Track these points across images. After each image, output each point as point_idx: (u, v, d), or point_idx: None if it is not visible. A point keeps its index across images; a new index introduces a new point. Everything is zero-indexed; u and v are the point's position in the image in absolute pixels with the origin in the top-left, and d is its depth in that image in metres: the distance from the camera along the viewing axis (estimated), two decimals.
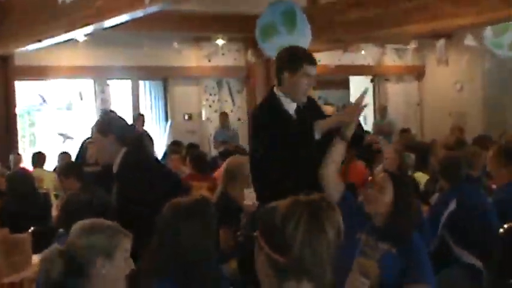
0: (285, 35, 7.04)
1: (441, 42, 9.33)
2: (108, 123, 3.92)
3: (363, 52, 12.13)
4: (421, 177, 6.44)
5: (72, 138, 10.45)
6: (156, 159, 5.15)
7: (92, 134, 4.09)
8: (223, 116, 11.88)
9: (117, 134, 3.83)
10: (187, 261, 2.73)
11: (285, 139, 3.43)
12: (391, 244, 3.21)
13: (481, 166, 5.76)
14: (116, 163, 3.86)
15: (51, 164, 9.13)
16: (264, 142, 3.56)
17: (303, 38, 7.21)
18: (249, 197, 4.65)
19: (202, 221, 2.76)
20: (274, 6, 7.22)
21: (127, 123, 4.12)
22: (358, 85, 14.86)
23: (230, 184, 5.02)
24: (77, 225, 2.67)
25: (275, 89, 3.62)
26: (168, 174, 4.52)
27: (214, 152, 11.25)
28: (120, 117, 4.13)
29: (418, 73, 14.51)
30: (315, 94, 13.95)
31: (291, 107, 3.59)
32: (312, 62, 3.56)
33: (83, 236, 2.61)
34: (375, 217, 3.27)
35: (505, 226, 4.45)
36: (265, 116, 3.58)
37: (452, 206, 4.54)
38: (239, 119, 12.40)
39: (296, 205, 1.87)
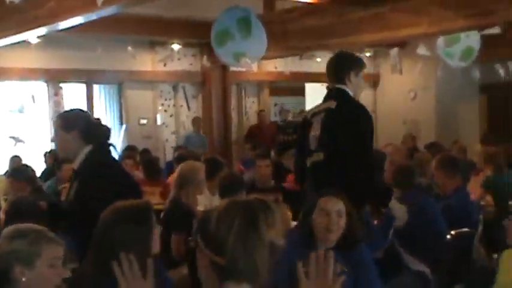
0: (240, 41, 7.04)
1: (394, 51, 9.43)
2: (72, 119, 3.83)
3: (318, 59, 12.19)
4: None
5: (23, 141, 10.25)
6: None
7: (54, 128, 4.01)
8: (197, 120, 11.85)
9: (82, 130, 3.75)
10: None
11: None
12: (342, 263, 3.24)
13: (431, 173, 5.84)
14: (77, 160, 3.79)
15: (1, 167, 8.95)
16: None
17: (258, 44, 7.23)
18: (202, 203, 4.64)
19: (140, 225, 2.71)
20: (230, 12, 7.21)
21: (94, 121, 4.05)
22: (314, 92, 14.97)
23: (183, 190, 4.99)
24: (6, 230, 2.61)
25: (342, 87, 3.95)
26: (128, 177, 4.48)
27: (169, 157, 11.20)
28: (88, 115, 4.07)
29: (373, 81, 14.67)
30: (271, 100, 14.02)
31: None
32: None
33: (5, 241, 2.53)
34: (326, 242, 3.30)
35: (453, 233, 4.53)
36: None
37: None
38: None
39: (231, 207, 1.87)
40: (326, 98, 4.11)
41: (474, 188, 6.31)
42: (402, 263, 4.54)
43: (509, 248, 2.91)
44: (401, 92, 13.84)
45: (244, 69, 8.91)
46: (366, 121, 3.91)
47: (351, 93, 4.03)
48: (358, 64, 4.07)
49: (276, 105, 15.19)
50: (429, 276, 4.47)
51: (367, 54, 13.83)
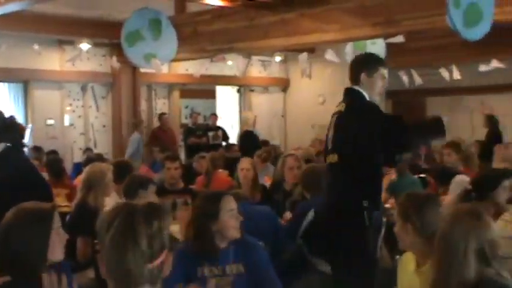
0: (151, 43, 7.02)
1: (304, 56, 9.60)
2: None
3: (229, 62, 12.26)
4: None
5: None
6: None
7: None
8: (139, 122, 11.71)
9: None
10: (23, 264, 2.63)
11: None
12: (241, 264, 3.29)
13: None
14: None
15: None
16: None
17: (168, 46, 7.22)
18: (110, 205, 4.57)
19: (39, 227, 2.65)
20: (141, 13, 7.17)
21: (7, 120, 3.91)
22: (225, 95, 15.03)
23: (90, 192, 4.91)
24: None
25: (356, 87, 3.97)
26: (39, 177, 4.38)
27: (77, 159, 10.99)
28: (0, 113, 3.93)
29: (283, 85, 14.89)
30: (181, 103, 13.98)
31: None
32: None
33: None
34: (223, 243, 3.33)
35: None
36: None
37: (310, 216, 4.68)
38: (103, 126, 12.16)
39: (114, 209, 1.86)
40: (343, 99, 4.15)
41: None
42: (308, 264, 4.63)
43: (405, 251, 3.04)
44: (311, 96, 14.11)
45: (154, 71, 8.86)
46: (373, 122, 3.85)
47: (365, 94, 4.00)
48: (371, 65, 4.00)
49: (186, 107, 15.17)
50: (331, 275, 4.58)
51: (277, 59, 14.04)
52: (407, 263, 3.00)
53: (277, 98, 14.96)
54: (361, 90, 3.97)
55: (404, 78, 10.62)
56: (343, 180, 3.89)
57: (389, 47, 8.90)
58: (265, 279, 3.35)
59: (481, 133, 11.81)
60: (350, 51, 8.88)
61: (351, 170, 3.87)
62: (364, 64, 4.01)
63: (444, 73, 10.45)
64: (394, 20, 7.47)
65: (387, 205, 6.64)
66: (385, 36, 8.31)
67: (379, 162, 3.98)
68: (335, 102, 13.14)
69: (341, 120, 3.97)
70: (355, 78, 4.00)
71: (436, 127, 3.84)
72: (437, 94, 13.82)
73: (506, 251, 3.39)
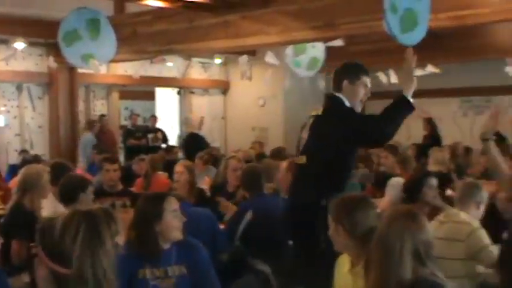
0: (89, 42, 6.91)
1: (244, 59, 9.64)
2: None
3: (169, 64, 12.19)
4: None
5: None
6: None
7: None
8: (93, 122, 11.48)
9: None
10: None
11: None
12: (184, 266, 3.28)
13: (278, 178, 6.02)
14: None
15: None
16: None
17: (107, 46, 7.12)
18: (47, 208, 4.48)
19: None
20: (79, 13, 7.05)
21: None
22: (164, 97, 14.93)
23: (26, 194, 4.81)
24: None
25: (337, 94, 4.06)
26: None
27: (12, 160, 10.74)
28: None
29: (224, 87, 14.88)
30: (121, 104, 13.81)
31: None
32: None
33: None
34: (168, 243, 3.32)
35: None
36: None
37: (248, 216, 4.70)
38: (40, 127, 11.91)
39: (74, 217, 1.86)
40: (323, 104, 4.21)
41: None
42: (247, 264, 4.65)
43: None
44: (251, 99, 14.15)
45: (92, 71, 8.72)
46: (348, 126, 3.94)
47: (345, 101, 4.06)
48: (353, 73, 4.10)
49: (126, 109, 15.01)
50: (269, 276, 4.61)
51: (217, 61, 14.03)
52: (342, 264, 3.05)
53: (217, 100, 14.94)
54: (341, 96, 4.05)
55: None
56: (307, 180, 3.98)
57: (329, 50, 9.02)
58: (206, 280, 3.36)
59: (418, 136, 12.08)
60: (290, 54, 8.97)
61: (316, 171, 3.96)
62: (347, 72, 4.10)
63: (382, 77, 10.65)
64: (334, 23, 7.56)
65: None
66: (325, 40, 8.41)
67: (346, 165, 4.08)
68: (275, 105, 13.34)
69: (315, 124, 4.06)
70: (337, 85, 4.08)
71: (403, 104, 3.94)
72: (375, 97, 13.87)
73: (441, 252, 3.49)
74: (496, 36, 10.57)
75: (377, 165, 8.32)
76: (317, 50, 9.07)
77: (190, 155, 9.42)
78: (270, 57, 8.67)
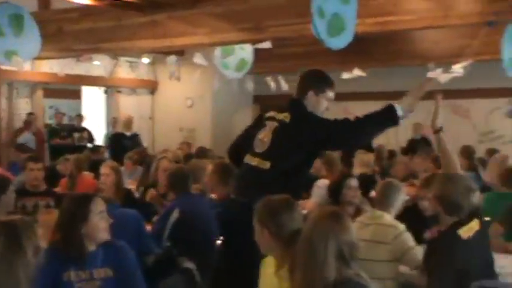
0: (12, 39, 6.73)
1: (172, 59, 9.55)
2: None
3: (96, 63, 11.97)
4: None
5: None
6: None
7: None
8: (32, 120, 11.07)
9: None
10: None
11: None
12: (110, 268, 3.23)
13: (205, 179, 6.00)
14: None
15: None
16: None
17: (31, 43, 6.95)
18: None
19: None
20: (1, 8, 6.85)
21: None
22: (91, 96, 14.68)
23: None
24: None
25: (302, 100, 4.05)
26: None
27: None
28: None
29: (151, 87, 14.74)
30: (45, 102, 13.48)
31: None
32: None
33: None
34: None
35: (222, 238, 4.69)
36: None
37: (175, 215, 4.68)
38: None
39: None
40: (285, 107, 4.13)
41: None
42: (175, 263, 4.64)
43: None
44: (179, 99, 14.08)
45: (15, 69, 8.48)
46: (323, 136, 3.91)
47: (309, 109, 4.07)
48: (320, 85, 4.09)
49: (51, 107, 14.67)
50: (195, 273, 4.62)
51: (145, 61, 13.87)
52: (267, 266, 3.06)
53: (145, 100, 14.79)
54: (305, 104, 4.05)
55: (272, 84, 10.83)
56: (271, 185, 3.78)
57: (257, 52, 9.06)
58: (132, 282, 3.32)
59: None
60: (219, 55, 8.95)
61: (280, 177, 3.89)
62: (314, 83, 4.10)
63: None
64: (262, 26, 7.61)
65: None
66: (253, 42, 8.44)
67: (308, 169, 4.17)
68: (203, 106, 13.27)
69: (284, 131, 3.98)
70: (302, 91, 4.09)
71: (387, 114, 3.91)
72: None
73: (365, 254, 3.56)
74: (419, 43, 10.88)
75: None
76: (245, 52, 9.09)
77: (115, 155, 9.30)
78: (198, 58, 8.63)
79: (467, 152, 8.10)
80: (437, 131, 4.14)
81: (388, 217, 4.18)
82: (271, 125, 4.06)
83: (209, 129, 13.88)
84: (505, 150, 9.94)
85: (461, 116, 12.89)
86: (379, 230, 4.10)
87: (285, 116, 4.02)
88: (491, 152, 9.48)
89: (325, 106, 4.14)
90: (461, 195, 3.46)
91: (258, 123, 4.23)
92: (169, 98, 14.35)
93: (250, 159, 4.08)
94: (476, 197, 3.55)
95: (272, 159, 3.95)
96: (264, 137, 4.05)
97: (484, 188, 6.29)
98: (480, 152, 9.77)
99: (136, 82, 14.52)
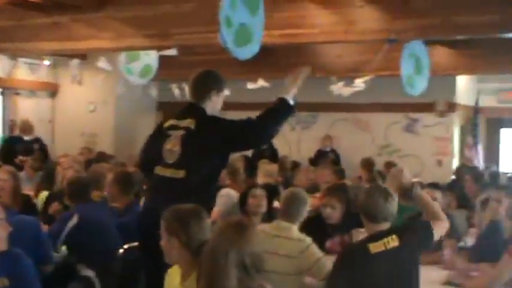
0: None
1: (75, 62, 9.35)
2: None
3: None
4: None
5: None
6: None
7: None
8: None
9: None
10: None
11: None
12: (6, 277, 3.12)
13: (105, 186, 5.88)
14: None
15: None
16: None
17: None
18: None
19: None
20: None
21: None
22: None
23: None
24: None
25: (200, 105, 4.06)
26: None
27: None
28: None
29: (52, 90, 14.32)
30: None
31: None
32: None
33: None
34: None
35: (125, 247, 4.63)
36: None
37: (74, 220, 4.56)
38: None
39: None
40: (184, 114, 4.09)
41: None
42: (74, 270, 4.53)
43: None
44: (81, 103, 13.76)
45: None
46: (231, 138, 3.96)
47: (208, 111, 4.08)
48: (221, 85, 4.17)
49: None
50: (94, 281, 4.52)
51: (46, 63, 13.48)
52: (173, 276, 3.02)
53: (44, 103, 14.34)
54: (205, 108, 4.07)
55: (176, 91, 10.79)
56: (187, 194, 3.79)
57: (163, 59, 9.00)
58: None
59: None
60: (123, 60, 8.83)
61: (195, 184, 3.89)
62: (215, 82, 4.16)
63: None
64: (168, 33, 7.56)
65: None
66: (159, 48, 8.37)
67: (218, 175, 4.21)
68: (106, 111, 13.03)
69: (192, 138, 3.96)
70: (202, 94, 4.09)
71: (282, 106, 4.04)
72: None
73: (271, 266, 3.55)
74: (323, 56, 11.11)
75: None
76: (150, 58, 9.01)
77: (7, 160, 8.96)
78: (102, 63, 8.48)
79: (367, 164, 8.33)
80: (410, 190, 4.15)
81: (295, 230, 4.14)
82: (176, 134, 4.02)
83: (111, 135, 13.63)
84: (402, 163, 10.31)
85: (361, 129, 13.27)
86: (286, 244, 4.03)
87: (189, 123, 4.00)
88: (389, 165, 9.80)
89: (220, 105, 4.22)
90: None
91: (159, 134, 4.18)
92: (70, 101, 13.98)
93: (162, 171, 4.03)
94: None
95: (186, 167, 3.94)
96: (172, 147, 4.00)
97: None
98: (378, 164, 10.07)
99: (36, 84, 14.05)
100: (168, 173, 4.00)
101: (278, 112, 4.07)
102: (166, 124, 4.12)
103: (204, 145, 3.95)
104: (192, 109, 4.12)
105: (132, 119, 14.14)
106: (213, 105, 4.13)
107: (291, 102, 4.08)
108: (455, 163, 12.51)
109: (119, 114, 13.69)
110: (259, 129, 4.02)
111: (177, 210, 2.99)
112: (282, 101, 4.08)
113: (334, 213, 5.09)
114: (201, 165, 3.94)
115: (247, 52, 5.48)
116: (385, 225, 3.67)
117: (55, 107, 14.43)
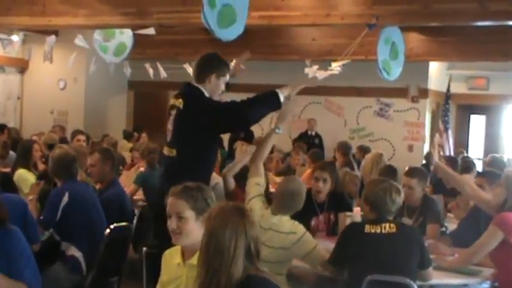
0: None
1: (49, 39, 9.16)
2: None
3: None
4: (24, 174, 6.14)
5: None
6: None
7: None
8: None
9: None
10: None
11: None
12: None
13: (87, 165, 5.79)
14: None
15: None
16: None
17: None
18: None
19: None
20: None
21: None
22: None
23: None
24: None
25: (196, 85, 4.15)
26: None
27: None
28: None
29: (21, 66, 14.08)
30: None
31: None
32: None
33: None
34: None
35: (111, 227, 4.59)
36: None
37: (65, 199, 4.51)
38: None
39: None
40: (178, 94, 4.22)
41: (126, 183, 6.46)
42: (59, 250, 4.49)
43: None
44: (51, 80, 13.57)
45: None
46: (213, 119, 4.03)
47: (206, 93, 4.14)
48: (221, 68, 4.21)
49: None
50: (80, 260, 4.49)
51: (15, 38, 13.21)
52: (172, 256, 2.98)
53: (13, 79, 14.10)
54: (202, 88, 4.13)
55: (150, 70, 10.68)
56: (178, 172, 3.96)
57: (138, 37, 8.88)
58: (14, 268, 3.12)
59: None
60: (99, 38, 8.69)
61: (186, 163, 4.02)
62: (215, 66, 4.20)
63: (188, 68, 10.70)
64: (147, 11, 7.47)
65: (136, 196, 6.65)
66: (136, 27, 8.26)
67: (212, 155, 4.27)
68: (77, 88, 12.82)
69: (180, 117, 4.09)
70: (201, 76, 4.16)
71: (271, 99, 4.13)
72: (179, 88, 14.10)
73: (263, 255, 3.52)
74: (298, 39, 11.11)
75: None
76: (125, 36, 8.88)
77: None
78: (79, 41, 8.34)
79: (344, 148, 8.36)
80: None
81: (287, 222, 4.01)
82: (173, 114, 4.17)
83: (82, 113, 13.48)
84: (374, 147, 10.41)
85: (334, 112, 13.34)
86: (278, 237, 3.91)
87: (179, 103, 4.12)
88: (362, 149, 9.88)
89: (222, 89, 4.28)
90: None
91: (169, 113, 4.32)
92: (40, 78, 13.77)
93: (165, 150, 4.26)
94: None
95: (176, 146, 4.11)
96: (169, 126, 4.19)
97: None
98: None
99: (5, 60, 13.78)
100: (166, 151, 4.22)
101: (265, 101, 4.17)
102: (170, 103, 4.26)
103: (189, 124, 4.06)
104: (185, 89, 4.22)
105: (104, 97, 14.00)
106: (212, 88, 4.17)
107: (281, 98, 4.16)
108: (426, 148, 12.67)
109: (90, 92, 13.54)
110: (241, 113, 4.10)
111: (202, 188, 2.90)
112: (273, 94, 4.16)
113: (325, 187, 5.10)
114: (189, 143, 4.05)
115: (231, 33, 5.44)
116: (387, 217, 3.85)
117: (24, 84, 14.20)
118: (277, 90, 4.17)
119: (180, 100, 4.12)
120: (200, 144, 4.07)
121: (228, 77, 4.31)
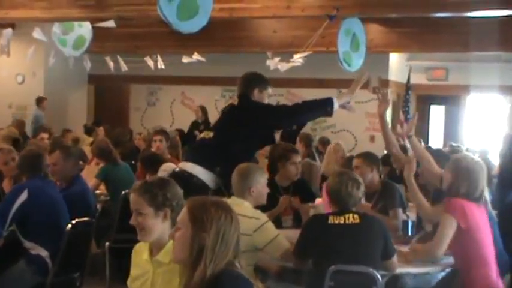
0: None
1: (6, 32, 8.98)
2: None
3: None
4: None
5: None
6: None
7: None
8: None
9: None
10: None
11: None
12: None
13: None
14: None
15: None
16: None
17: None
18: None
19: None
20: None
21: None
22: None
23: None
24: None
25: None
26: None
27: None
28: None
29: None
30: None
31: None
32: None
33: None
34: None
35: (73, 222, 4.53)
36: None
37: (24, 196, 4.44)
38: None
39: None
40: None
41: (88, 177, 6.38)
42: (21, 249, 4.42)
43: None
44: (8, 75, 13.29)
45: None
46: (257, 117, 4.57)
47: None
48: (262, 84, 4.75)
49: None
50: (46, 259, 4.43)
51: None
52: (141, 251, 2.95)
53: None
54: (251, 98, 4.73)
55: (111, 64, 10.56)
56: (210, 152, 4.56)
57: (97, 30, 8.75)
58: None
59: (181, 122, 12.23)
60: (57, 31, 8.54)
61: (222, 147, 4.51)
62: (256, 82, 4.76)
63: (149, 62, 10.63)
64: (106, 4, 7.38)
65: (98, 191, 6.59)
66: (95, 20, 8.14)
67: (251, 150, 4.88)
68: (35, 83, 12.56)
69: (231, 110, 4.72)
70: (247, 90, 4.72)
71: (325, 105, 4.49)
72: (141, 82, 14.04)
73: None
74: (259, 31, 11.10)
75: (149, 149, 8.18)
76: (84, 29, 8.74)
77: None
78: (37, 34, 8.19)
79: (306, 140, 8.37)
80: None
81: (248, 207, 4.05)
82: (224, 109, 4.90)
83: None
84: (336, 138, 10.47)
85: None
86: (241, 220, 3.93)
87: (234, 100, 4.79)
88: (323, 141, 9.92)
89: (267, 101, 4.80)
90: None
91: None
92: None
93: (201, 135, 4.91)
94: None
95: (215, 130, 4.69)
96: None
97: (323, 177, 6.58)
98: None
99: None
100: (202, 134, 4.91)
101: (317, 107, 4.60)
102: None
103: (237, 117, 4.62)
104: (241, 95, 4.77)
105: (63, 91, 13.82)
106: (256, 99, 4.70)
107: (335, 107, 4.50)
108: None
109: (49, 87, 13.34)
110: (290, 113, 4.67)
111: (164, 183, 2.87)
112: (328, 101, 4.52)
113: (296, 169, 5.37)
114: (227, 131, 4.60)
115: (193, 25, 5.37)
116: (351, 208, 3.93)
117: None
118: (333, 98, 4.53)
119: (237, 99, 4.76)
120: (241, 136, 4.53)
121: (270, 91, 4.84)
